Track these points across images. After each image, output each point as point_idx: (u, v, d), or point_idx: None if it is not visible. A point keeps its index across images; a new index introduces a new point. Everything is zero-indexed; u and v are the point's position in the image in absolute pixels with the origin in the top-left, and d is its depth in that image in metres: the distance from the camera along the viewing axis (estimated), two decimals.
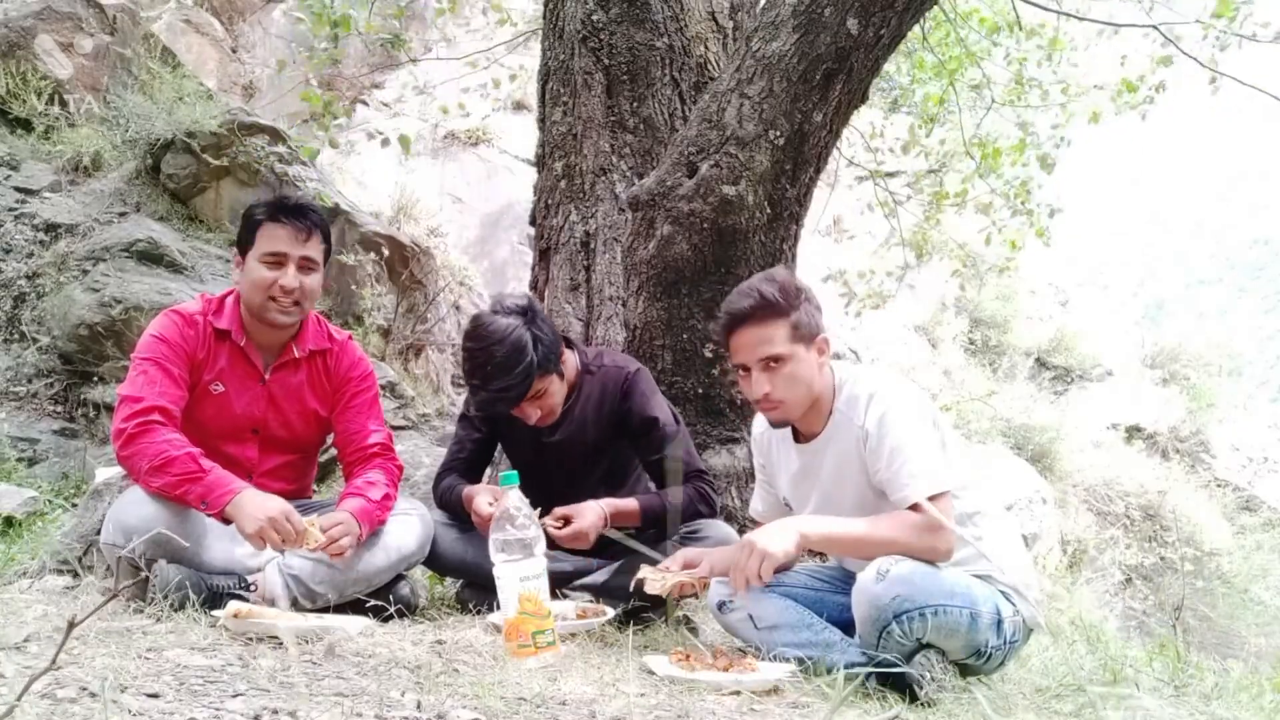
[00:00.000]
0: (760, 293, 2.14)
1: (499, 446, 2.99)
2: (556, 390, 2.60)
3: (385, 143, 5.58)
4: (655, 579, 2.27)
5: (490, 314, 2.51)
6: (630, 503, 2.61)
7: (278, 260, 2.48)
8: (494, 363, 2.43)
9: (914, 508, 2.03)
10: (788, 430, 2.34)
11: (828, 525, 2.09)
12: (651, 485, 2.84)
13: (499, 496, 2.49)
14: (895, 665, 1.93)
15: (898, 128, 7.21)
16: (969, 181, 6.47)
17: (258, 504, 2.19)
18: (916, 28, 4.96)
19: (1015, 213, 6.40)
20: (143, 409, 2.28)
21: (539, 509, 2.27)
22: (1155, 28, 5.20)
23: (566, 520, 2.51)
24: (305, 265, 2.52)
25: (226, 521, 2.24)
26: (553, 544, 2.50)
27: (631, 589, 2.33)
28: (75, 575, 2.51)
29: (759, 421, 2.49)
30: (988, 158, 6.23)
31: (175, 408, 2.36)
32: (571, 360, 2.69)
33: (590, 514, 2.51)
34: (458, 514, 2.67)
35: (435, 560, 2.69)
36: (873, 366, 8.83)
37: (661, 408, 2.73)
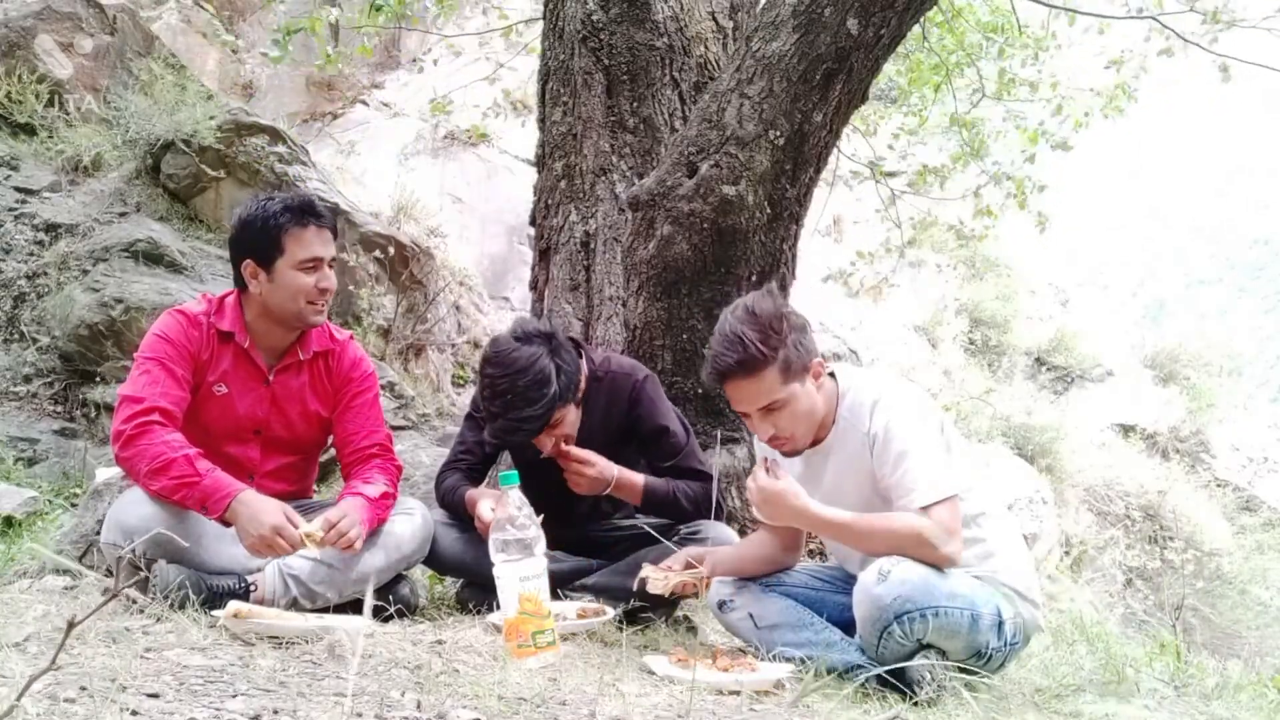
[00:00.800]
0: (743, 343, 2.05)
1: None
2: (573, 420, 2.57)
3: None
4: (658, 578, 2.27)
5: (512, 339, 2.47)
6: (637, 478, 2.62)
7: (315, 265, 2.47)
8: (516, 392, 2.39)
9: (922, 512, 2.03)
10: None
11: (836, 514, 2.09)
12: None
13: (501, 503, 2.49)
14: (896, 668, 1.93)
15: (893, 125, 7.21)
16: (960, 161, 6.48)
17: (255, 513, 2.19)
18: (916, 28, 4.96)
19: (1009, 195, 6.42)
20: (142, 410, 2.28)
21: (542, 515, 2.29)
22: (1155, 18, 5.20)
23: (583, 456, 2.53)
24: (331, 263, 2.53)
25: (228, 524, 2.24)
26: (552, 544, 2.51)
27: (634, 589, 2.33)
28: (75, 575, 2.51)
29: None
30: (980, 146, 6.25)
31: (176, 408, 2.35)
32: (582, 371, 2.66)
33: (603, 466, 2.54)
34: (459, 514, 2.67)
35: (435, 560, 2.69)
36: (873, 369, 8.83)
37: (670, 415, 2.72)
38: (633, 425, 2.69)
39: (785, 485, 2.08)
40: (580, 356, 2.65)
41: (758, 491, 2.08)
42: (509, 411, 2.42)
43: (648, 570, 2.31)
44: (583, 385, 2.61)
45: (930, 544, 1.99)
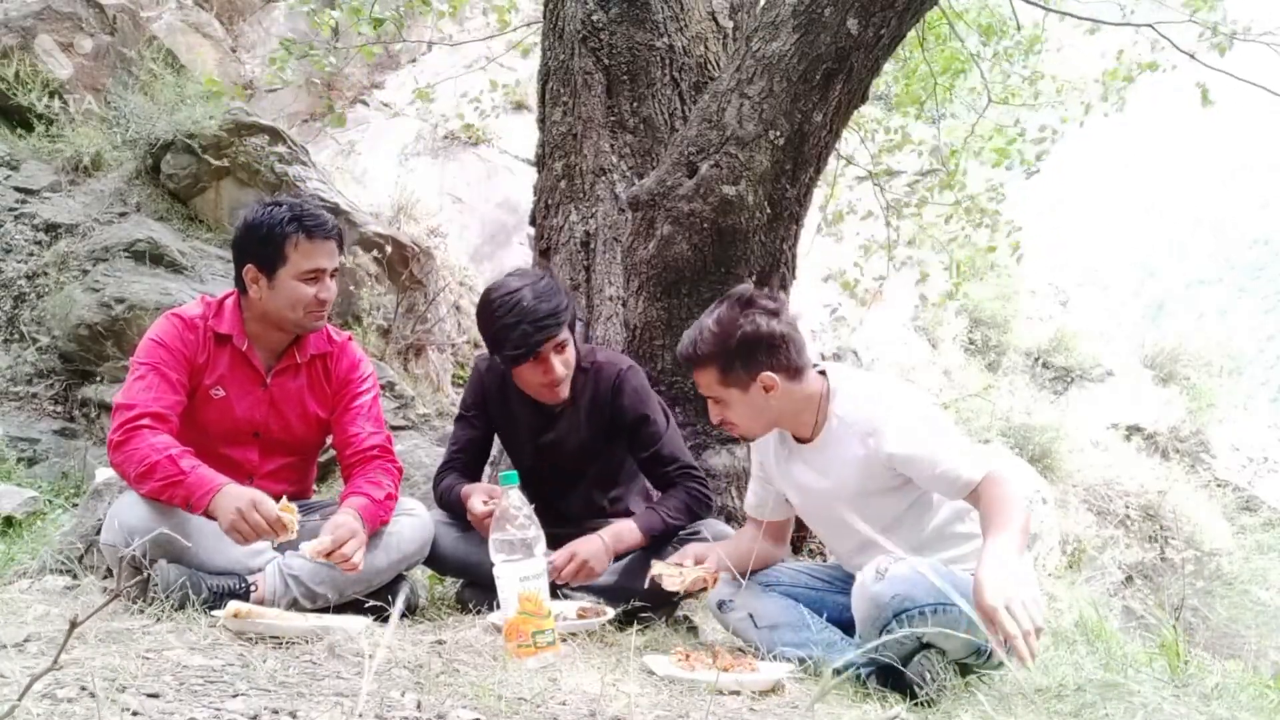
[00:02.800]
0: (698, 339, 2.21)
1: (496, 446, 2.99)
2: (572, 355, 2.63)
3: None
4: (671, 575, 2.25)
5: (505, 276, 2.61)
6: (631, 529, 2.59)
7: (316, 276, 2.48)
8: (536, 294, 2.49)
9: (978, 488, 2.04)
10: (787, 433, 2.36)
11: (1011, 547, 1.91)
12: (646, 483, 2.85)
13: (493, 494, 2.50)
14: (892, 659, 1.93)
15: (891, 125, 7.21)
16: (956, 181, 6.45)
17: (230, 500, 2.18)
18: (915, 29, 4.95)
19: (979, 224, 6.40)
20: (133, 416, 2.28)
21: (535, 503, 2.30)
22: (1151, 26, 5.21)
23: (571, 558, 2.50)
24: (333, 274, 2.54)
25: (213, 519, 2.24)
26: (553, 544, 2.51)
27: (646, 586, 2.31)
28: (75, 575, 2.51)
29: None
30: (963, 158, 6.23)
31: (170, 412, 2.35)
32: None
33: (591, 547, 2.51)
34: (457, 514, 2.67)
35: (435, 560, 2.70)
36: (866, 373, 8.85)
37: (652, 405, 2.75)
38: (615, 415, 2.72)
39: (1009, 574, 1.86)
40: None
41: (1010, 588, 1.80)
42: (529, 315, 2.47)
43: (660, 567, 2.29)
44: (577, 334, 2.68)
45: (1015, 495, 2.00)
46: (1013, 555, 1.87)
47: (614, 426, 2.73)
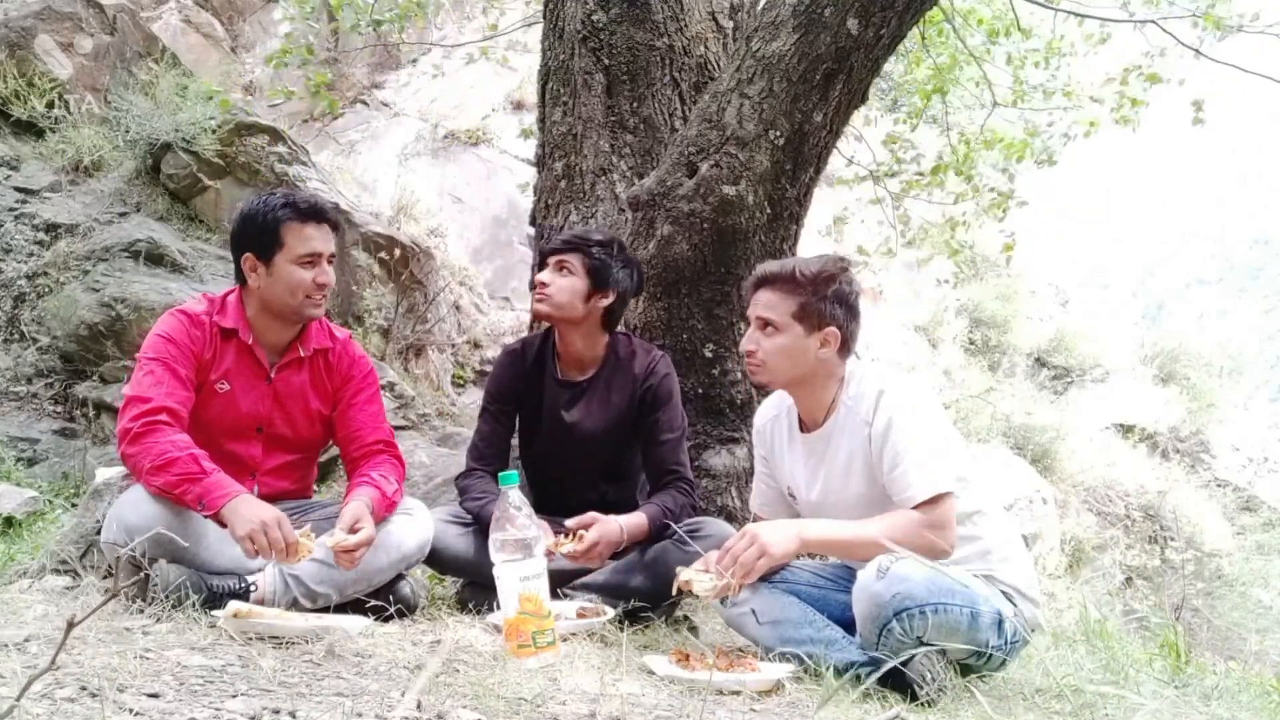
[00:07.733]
0: (797, 267, 2.26)
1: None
2: (570, 283, 2.71)
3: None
4: (701, 579, 2.20)
5: None
6: (641, 522, 2.64)
7: (313, 260, 2.49)
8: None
9: (916, 508, 2.06)
10: (794, 419, 2.38)
11: (828, 529, 2.13)
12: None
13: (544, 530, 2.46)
14: (895, 664, 1.92)
15: (887, 125, 7.21)
16: (944, 171, 6.44)
17: (252, 509, 2.18)
18: (916, 29, 4.96)
19: (991, 205, 6.43)
20: (151, 409, 2.28)
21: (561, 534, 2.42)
22: (1155, 22, 5.24)
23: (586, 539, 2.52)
24: (330, 259, 2.54)
25: (222, 524, 2.24)
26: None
27: (675, 592, 2.28)
28: (75, 575, 2.51)
29: (762, 413, 2.53)
30: (967, 160, 6.24)
31: (183, 409, 2.36)
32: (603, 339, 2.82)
33: (607, 531, 2.54)
34: (485, 525, 2.66)
35: (436, 559, 2.69)
36: (878, 364, 8.83)
37: (679, 397, 2.82)
38: (644, 394, 2.75)
39: (774, 522, 2.19)
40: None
41: (760, 529, 2.11)
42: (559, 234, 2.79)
43: (688, 573, 2.24)
44: (611, 301, 2.78)
45: (924, 537, 2.04)
46: (835, 534, 2.13)
47: (639, 408, 2.76)
